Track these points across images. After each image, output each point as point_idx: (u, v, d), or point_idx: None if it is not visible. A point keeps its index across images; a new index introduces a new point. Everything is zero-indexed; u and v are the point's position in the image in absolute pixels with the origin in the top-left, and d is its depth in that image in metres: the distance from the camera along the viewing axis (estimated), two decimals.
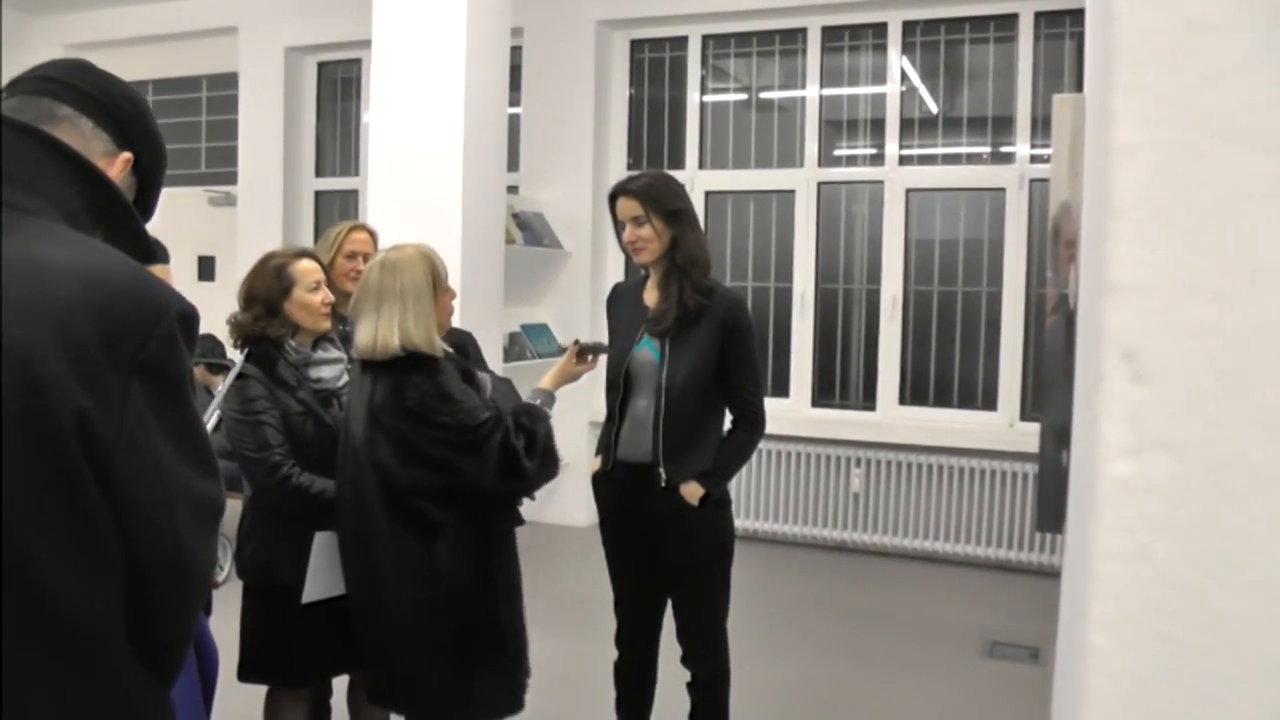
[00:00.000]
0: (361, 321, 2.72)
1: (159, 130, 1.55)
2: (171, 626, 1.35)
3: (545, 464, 2.79)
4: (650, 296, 3.16)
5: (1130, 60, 0.58)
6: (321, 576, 2.85)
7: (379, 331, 2.67)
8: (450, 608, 2.71)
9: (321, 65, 7.89)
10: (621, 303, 3.28)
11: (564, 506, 6.46)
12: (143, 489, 1.26)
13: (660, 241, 3.05)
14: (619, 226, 3.13)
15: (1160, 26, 0.58)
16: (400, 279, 2.69)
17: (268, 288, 2.89)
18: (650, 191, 3.06)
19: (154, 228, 1.53)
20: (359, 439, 2.73)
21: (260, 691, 3.05)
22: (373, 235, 3.54)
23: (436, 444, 2.66)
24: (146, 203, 1.56)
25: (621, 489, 3.16)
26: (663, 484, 3.05)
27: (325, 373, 2.96)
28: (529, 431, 2.76)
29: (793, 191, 6.70)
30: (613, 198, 3.13)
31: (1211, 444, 0.59)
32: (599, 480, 3.23)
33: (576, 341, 3.12)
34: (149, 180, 1.55)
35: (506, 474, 2.70)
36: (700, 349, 3.04)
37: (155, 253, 1.45)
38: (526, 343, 6.48)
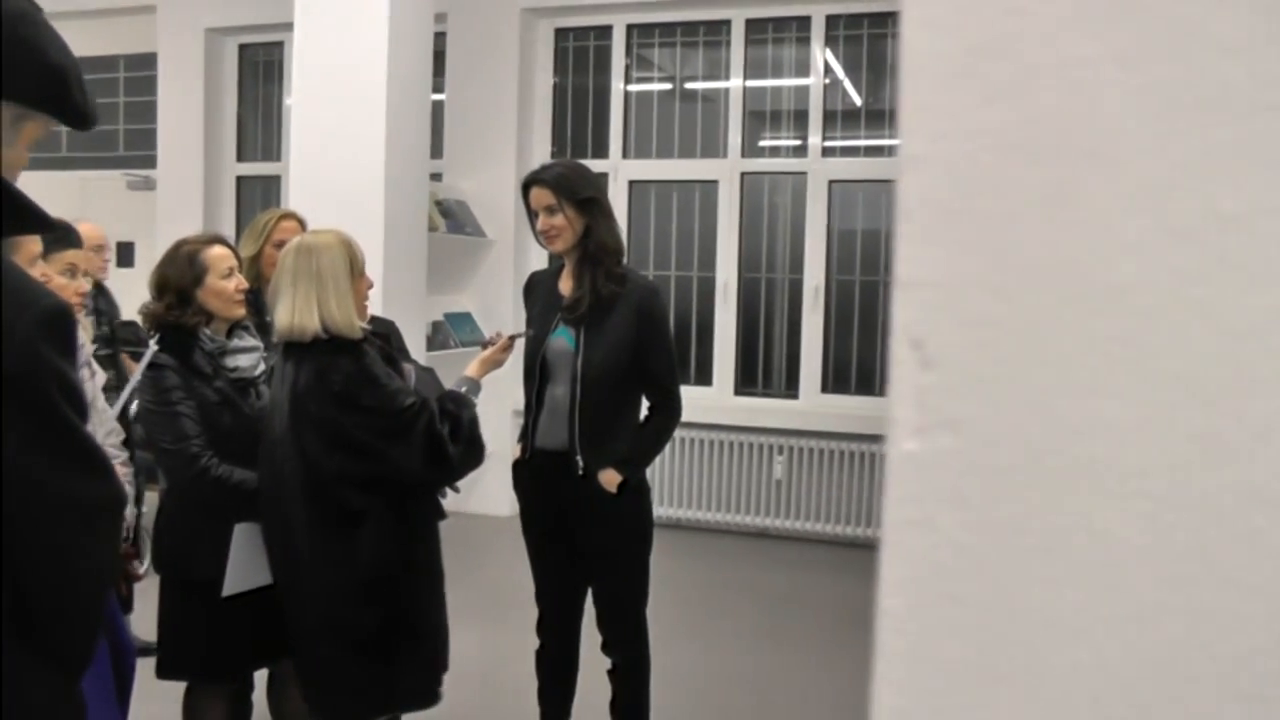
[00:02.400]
0: (279, 304, 2.73)
1: (31, 46, 1.34)
2: (69, 627, 1.35)
3: (470, 451, 2.82)
4: (565, 285, 3.20)
5: (916, 81, 0.65)
6: (242, 568, 2.82)
7: (296, 312, 2.68)
8: (370, 598, 2.73)
9: (243, 47, 7.82)
10: (537, 291, 3.32)
11: (486, 496, 6.49)
12: (9, 504, 1.24)
13: (573, 230, 3.09)
14: (533, 215, 3.18)
15: (942, 50, 0.65)
16: (317, 261, 2.70)
17: (180, 275, 2.85)
18: (562, 181, 3.10)
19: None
20: (281, 426, 2.73)
21: (178, 689, 3.01)
22: (302, 223, 3.54)
23: (362, 429, 2.67)
24: (79, 120, 1.40)
25: (540, 477, 3.20)
26: (580, 472, 3.09)
27: (242, 361, 2.93)
28: (454, 418, 2.78)
29: (716, 182, 6.80)
30: (525, 187, 3.17)
31: (989, 422, 0.67)
32: (519, 469, 3.27)
33: (509, 336, 3.17)
34: (45, 102, 1.39)
35: (432, 461, 2.72)
36: (615, 336, 3.09)
37: (45, 217, 1.38)
38: (450, 331, 6.49)
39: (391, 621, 2.76)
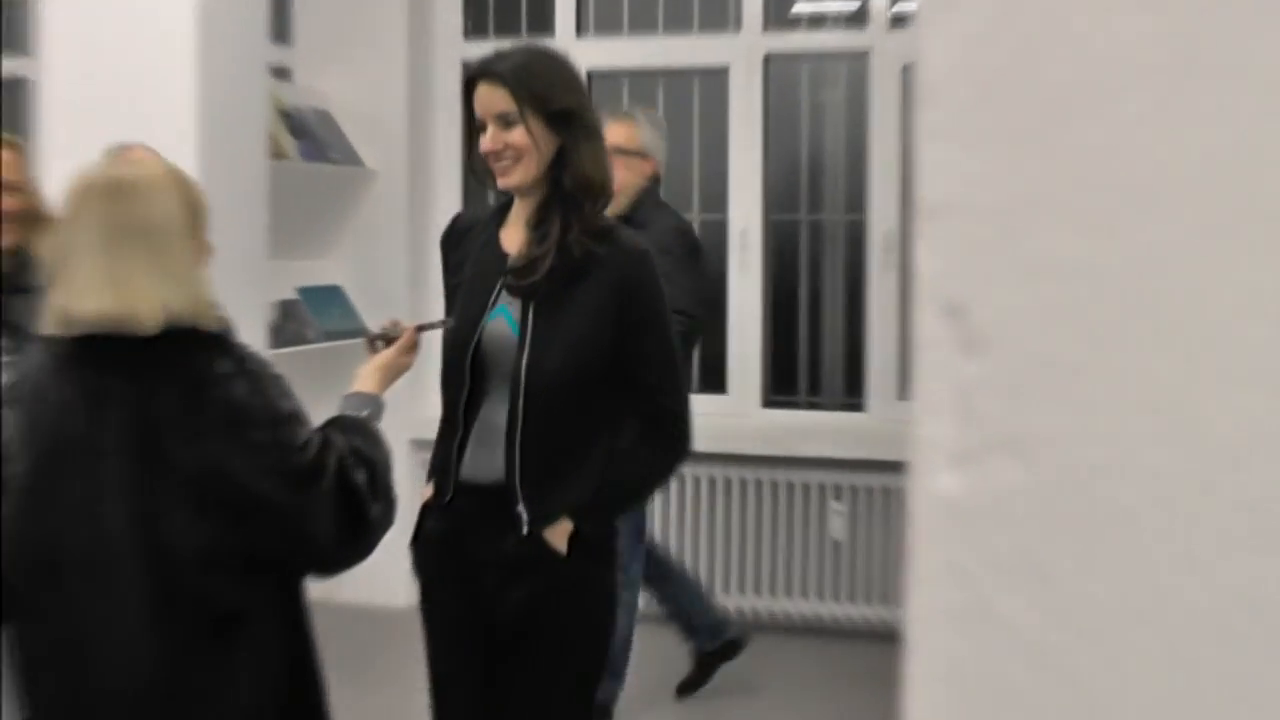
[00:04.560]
0: (75, 275, 2.61)
1: None
2: None
3: (387, 510, 2.79)
4: (512, 237, 3.19)
5: None
6: None
7: (115, 289, 2.55)
8: None
9: None
10: (467, 243, 3.31)
11: (374, 578, 6.42)
12: None
13: (539, 154, 3.07)
14: (475, 128, 3.16)
15: None
16: (142, 208, 2.62)
17: None
18: (527, 75, 3.08)
19: None
20: (92, 484, 2.62)
21: None
22: (21, 150, 3.59)
23: (254, 474, 2.59)
24: None
25: (461, 527, 3.17)
26: (524, 530, 3.06)
27: None
28: (368, 461, 2.76)
29: (725, 69, 6.79)
30: (469, 82, 3.15)
31: (1079, 442, 0.62)
32: (425, 517, 3.25)
33: (414, 327, 3.16)
34: None
35: (348, 523, 2.68)
36: (582, 320, 3.08)
37: None
38: (308, 316, 6.43)
39: None
